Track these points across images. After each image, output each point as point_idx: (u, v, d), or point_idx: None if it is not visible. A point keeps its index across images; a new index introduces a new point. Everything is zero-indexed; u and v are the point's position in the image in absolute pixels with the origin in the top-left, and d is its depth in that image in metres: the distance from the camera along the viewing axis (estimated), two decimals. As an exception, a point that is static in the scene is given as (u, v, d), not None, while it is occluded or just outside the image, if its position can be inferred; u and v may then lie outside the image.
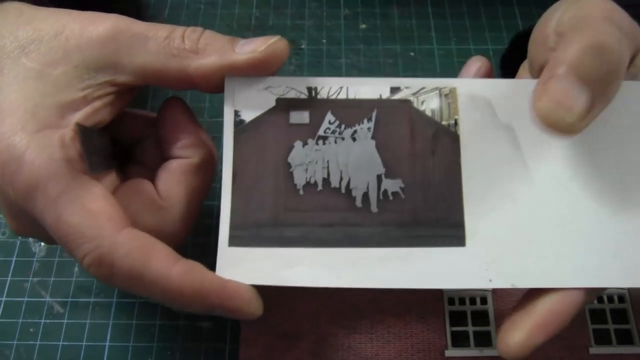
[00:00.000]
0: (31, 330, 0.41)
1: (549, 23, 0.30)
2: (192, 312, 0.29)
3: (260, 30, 0.53)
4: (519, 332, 0.27)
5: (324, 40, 0.53)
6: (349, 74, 0.51)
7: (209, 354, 0.40)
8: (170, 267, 0.27)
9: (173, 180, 0.30)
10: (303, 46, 0.52)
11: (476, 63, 0.35)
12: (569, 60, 0.28)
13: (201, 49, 0.28)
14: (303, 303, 0.40)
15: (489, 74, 0.34)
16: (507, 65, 0.50)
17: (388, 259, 0.28)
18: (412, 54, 0.52)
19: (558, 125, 0.29)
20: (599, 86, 0.28)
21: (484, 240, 0.28)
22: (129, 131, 0.33)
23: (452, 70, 0.51)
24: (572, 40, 0.28)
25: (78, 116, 0.27)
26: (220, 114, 0.30)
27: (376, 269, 0.28)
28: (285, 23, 0.54)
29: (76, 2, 0.30)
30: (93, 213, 0.26)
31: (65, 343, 0.40)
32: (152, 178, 0.31)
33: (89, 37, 0.27)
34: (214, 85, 0.29)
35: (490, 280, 0.27)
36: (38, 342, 0.40)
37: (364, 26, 0.54)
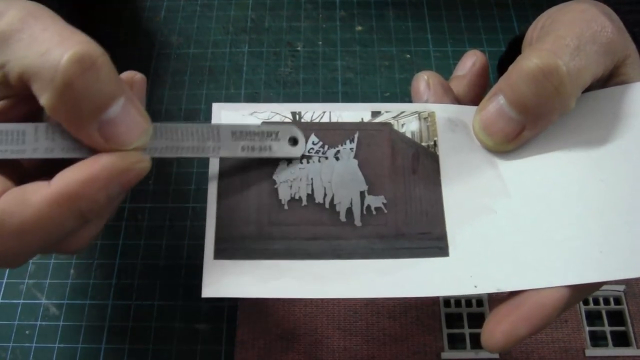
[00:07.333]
0: (27, 332, 0.41)
1: (537, 26, 0.31)
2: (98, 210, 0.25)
3: (256, 32, 0.53)
4: (503, 324, 0.27)
5: (320, 42, 0.53)
6: (344, 75, 0.51)
7: (204, 356, 0.40)
8: (44, 189, 0.24)
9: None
10: (299, 48, 0.53)
11: (471, 57, 0.35)
12: (506, 85, 0.28)
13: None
14: (299, 305, 0.40)
15: (484, 68, 0.34)
16: (504, 68, 0.50)
17: (372, 270, 0.29)
18: (408, 56, 0.52)
19: (484, 144, 0.30)
20: (533, 113, 0.28)
21: (467, 249, 0.29)
22: None
23: (448, 72, 0.50)
24: (518, 62, 0.28)
25: None
26: (215, 116, 0.30)
27: (360, 279, 0.28)
28: (281, 25, 0.54)
29: (75, 3, 0.30)
30: None
31: (61, 345, 0.40)
32: None
33: None
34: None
35: (476, 287, 0.28)
36: (34, 345, 0.40)
37: (359, 28, 0.54)
